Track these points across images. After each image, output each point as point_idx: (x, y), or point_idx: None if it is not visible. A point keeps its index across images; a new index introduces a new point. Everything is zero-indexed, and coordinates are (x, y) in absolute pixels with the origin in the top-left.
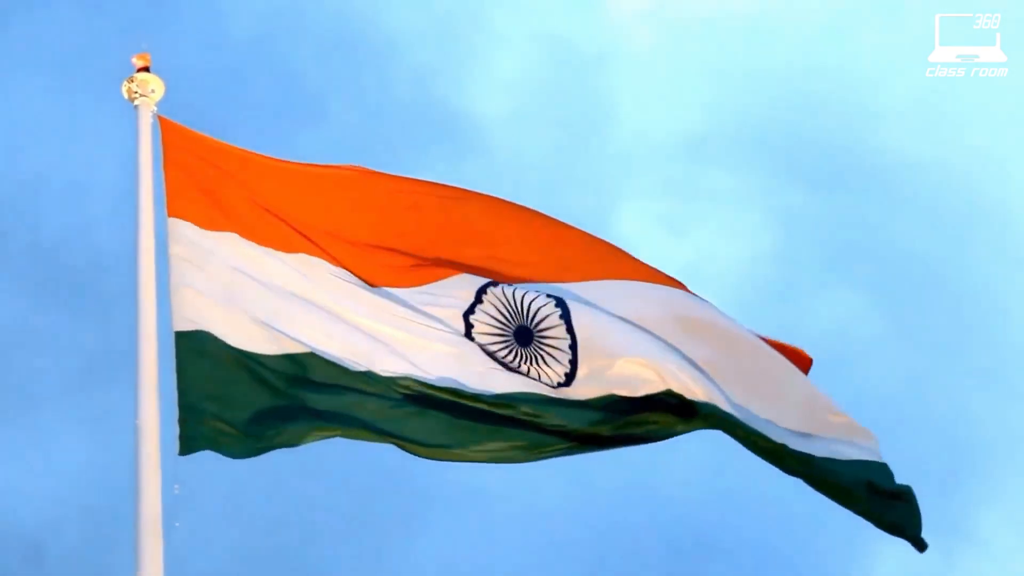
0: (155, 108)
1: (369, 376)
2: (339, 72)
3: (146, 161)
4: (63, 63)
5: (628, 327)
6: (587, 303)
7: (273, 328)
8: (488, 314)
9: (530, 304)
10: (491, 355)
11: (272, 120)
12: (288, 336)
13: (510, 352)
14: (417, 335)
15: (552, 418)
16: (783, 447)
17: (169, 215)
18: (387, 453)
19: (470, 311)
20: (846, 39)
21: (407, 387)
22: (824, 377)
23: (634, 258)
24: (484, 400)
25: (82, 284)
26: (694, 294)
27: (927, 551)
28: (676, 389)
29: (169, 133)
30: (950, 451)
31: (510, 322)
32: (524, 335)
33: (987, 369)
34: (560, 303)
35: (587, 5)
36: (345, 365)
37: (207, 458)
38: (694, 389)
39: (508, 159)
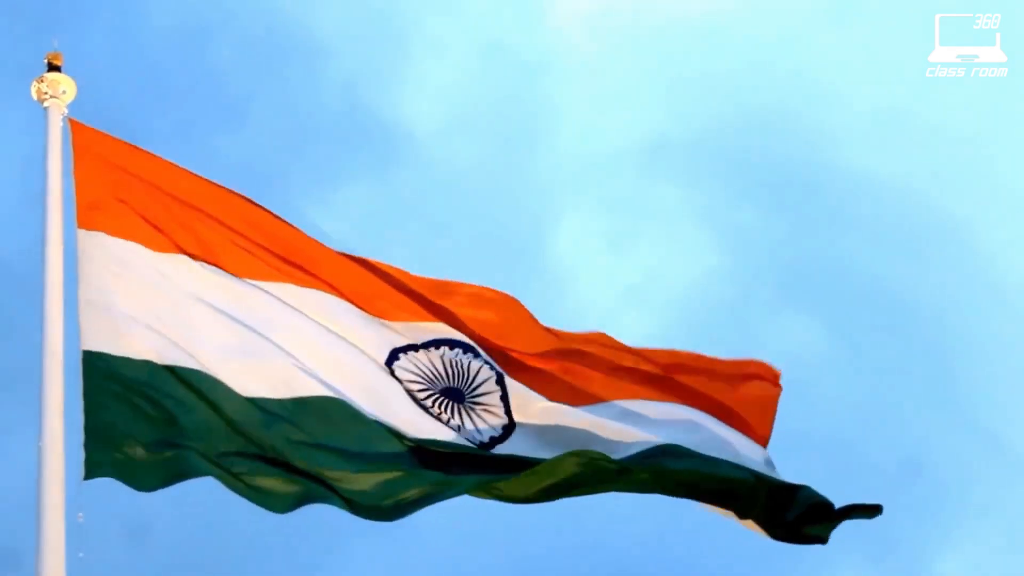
0: (66, 110)
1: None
2: (264, 74)
3: (55, 167)
4: None
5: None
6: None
7: (187, 348)
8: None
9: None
10: (412, 397)
11: (190, 123)
12: (203, 354)
13: (436, 402)
14: (340, 359)
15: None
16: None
17: (79, 226)
18: None
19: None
20: (805, 46)
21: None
22: None
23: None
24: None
25: None
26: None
27: None
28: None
29: (80, 137)
30: (903, 482)
31: (438, 380)
32: (454, 394)
33: (942, 396)
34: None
35: (527, 10)
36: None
37: (113, 483)
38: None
39: (441, 171)
